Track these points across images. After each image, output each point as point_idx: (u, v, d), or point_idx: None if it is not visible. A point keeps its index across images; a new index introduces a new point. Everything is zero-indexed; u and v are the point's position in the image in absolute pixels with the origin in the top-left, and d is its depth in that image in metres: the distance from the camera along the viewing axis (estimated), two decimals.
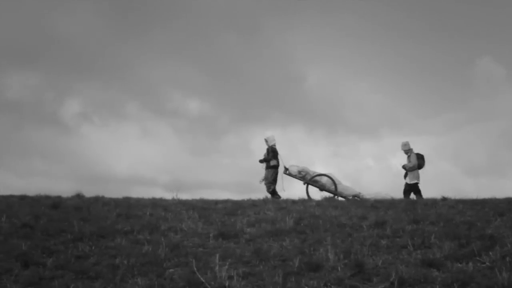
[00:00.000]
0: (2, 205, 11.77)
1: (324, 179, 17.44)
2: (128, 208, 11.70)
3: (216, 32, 54.23)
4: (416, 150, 17.21)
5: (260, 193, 17.26)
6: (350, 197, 16.72)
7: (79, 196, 14.09)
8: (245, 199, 14.36)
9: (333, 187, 17.21)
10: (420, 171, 17.25)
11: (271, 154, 17.38)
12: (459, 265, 7.12)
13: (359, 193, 17.06)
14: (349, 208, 11.80)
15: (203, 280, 6.47)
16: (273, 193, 17.15)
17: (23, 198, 13.34)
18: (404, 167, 17.26)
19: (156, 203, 12.75)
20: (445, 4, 54.00)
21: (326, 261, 7.26)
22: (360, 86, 57.67)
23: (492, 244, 7.94)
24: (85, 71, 54.09)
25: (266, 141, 17.72)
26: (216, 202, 13.51)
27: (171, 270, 7.09)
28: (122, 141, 50.45)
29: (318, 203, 12.93)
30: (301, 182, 17.52)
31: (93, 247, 8.16)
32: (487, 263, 7.11)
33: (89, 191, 14.59)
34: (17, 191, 14.62)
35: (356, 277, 6.71)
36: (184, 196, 16.88)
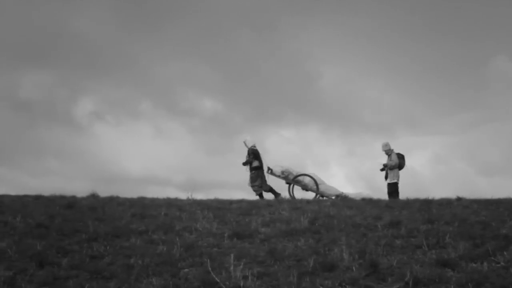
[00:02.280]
0: (17, 205, 11.83)
1: (307, 179, 17.74)
2: (142, 208, 11.70)
3: (231, 30, 54.32)
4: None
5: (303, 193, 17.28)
6: (333, 197, 16.96)
7: (93, 196, 14.12)
8: (260, 199, 14.33)
9: (315, 187, 17.52)
10: (400, 171, 17.54)
11: (252, 156, 17.40)
12: (473, 265, 7.08)
13: (342, 193, 17.32)
14: (364, 208, 11.77)
15: (218, 280, 6.43)
16: (272, 191, 17.30)
17: (38, 198, 13.40)
18: (386, 166, 17.55)
19: (170, 203, 12.75)
20: (459, 3, 53.61)
21: (341, 261, 7.22)
22: (375, 85, 57.48)
23: (507, 244, 7.90)
24: (98, 70, 54.37)
25: (245, 143, 17.77)
26: (231, 202, 13.49)
27: (185, 270, 7.07)
28: (136, 140, 50.56)
29: (333, 203, 12.88)
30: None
31: (107, 247, 8.16)
32: (502, 263, 7.06)
33: (103, 191, 14.63)
34: (31, 191, 14.71)
35: (370, 277, 6.67)
36: (199, 196, 16.88)
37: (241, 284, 6.34)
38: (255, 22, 55.69)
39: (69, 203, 11.94)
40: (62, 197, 13.52)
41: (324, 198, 16.92)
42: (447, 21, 54.43)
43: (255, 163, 17.35)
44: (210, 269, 6.82)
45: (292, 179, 17.68)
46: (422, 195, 13.77)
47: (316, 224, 9.81)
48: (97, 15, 50.70)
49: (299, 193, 17.30)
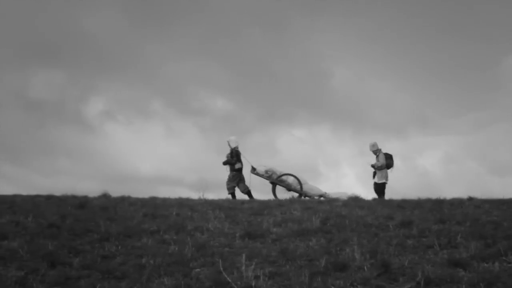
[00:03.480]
0: (28, 205, 11.87)
1: (291, 179, 17.90)
2: (154, 208, 11.72)
3: (242, 29, 54.38)
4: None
5: (286, 193, 17.28)
6: (316, 197, 17.16)
7: (105, 196, 14.17)
8: (272, 199, 14.32)
9: (298, 186, 17.69)
10: (388, 170, 17.60)
11: (235, 157, 17.48)
12: (485, 265, 7.05)
13: (325, 193, 17.55)
14: (376, 208, 11.76)
15: (230, 280, 6.41)
16: (231, 195, 17.27)
17: (49, 198, 13.46)
18: (373, 166, 17.59)
19: (182, 203, 12.77)
20: (471, 3, 53.32)
21: (352, 261, 7.19)
22: (387, 84, 57.38)
23: None
24: (109, 69, 54.53)
25: (229, 143, 17.80)
26: (243, 202, 13.51)
27: (197, 270, 7.05)
28: (147, 140, 50.59)
29: (345, 203, 12.85)
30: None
31: (119, 247, 8.16)
32: None
33: (115, 191, 14.69)
34: (43, 191, 14.77)
35: (382, 276, 6.63)
36: (210, 195, 16.93)
37: (253, 284, 6.31)
38: (266, 21, 55.76)
39: (80, 203, 11.98)
40: (74, 197, 13.58)
41: (307, 198, 17.07)
42: (460, 21, 54.29)
43: (238, 165, 17.45)
44: (221, 269, 6.80)
45: (275, 179, 17.84)
46: (434, 195, 13.84)
47: (328, 224, 9.79)
48: (108, 14, 50.92)
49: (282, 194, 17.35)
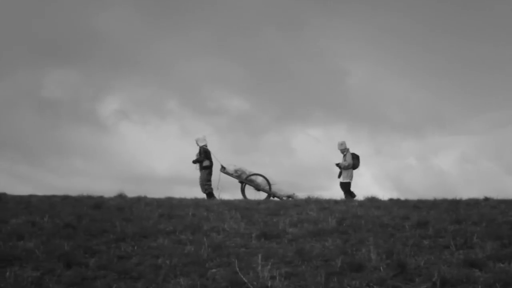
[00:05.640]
0: (45, 205, 11.93)
1: (260, 179, 18.07)
2: (170, 208, 11.73)
3: (258, 28, 54.20)
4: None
5: (303, 192, 17.31)
6: (284, 198, 17.32)
7: (121, 196, 14.22)
8: (207, 198, 14.31)
9: (267, 187, 17.85)
10: (354, 171, 17.72)
11: (203, 155, 17.58)
12: (501, 265, 6.99)
13: (293, 193, 17.77)
14: (392, 208, 11.76)
15: (246, 280, 6.37)
16: (210, 194, 17.31)
17: (65, 198, 13.53)
18: (339, 165, 17.66)
19: (198, 203, 12.78)
20: (490, 3, 52.86)
21: (369, 261, 7.15)
22: (403, 84, 56.99)
23: None
24: (123, 68, 54.59)
25: (197, 142, 17.92)
26: (259, 202, 13.49)
27: (213, 270, 7.02)
28: (163, 140, 50.55)
29: (361, 203, 12.80)
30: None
31: (135, 247, 8.15)
32: None
33: (131, 191, 14.74)
34: (58, 191, 14.89)
35: (398, 277, 6.59)
36: (226, 196, 17.00)
37: (269, 284, 6.27)
38: (282, 20, 55.59)
39: (96, 203, 12.02)
40: (90, 197, 13.64)
41: (275, 198, 17.27)
42: (477, 19, 53.78)
43: (206, 163, 17.57)
44: (237, 269, 6.76)
45: (245, 178, 18.00)
46: (450, 195, 13.89)
47: (344, 225, 9.75)
48: (121, 12, 50.97)
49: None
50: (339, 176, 17.70)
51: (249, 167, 18.15)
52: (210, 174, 17.65)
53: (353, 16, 55.88)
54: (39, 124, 48.69)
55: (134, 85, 55.59)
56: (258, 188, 17.92)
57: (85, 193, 14.22)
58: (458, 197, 13.50)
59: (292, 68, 54.57)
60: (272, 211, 11.45)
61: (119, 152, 46.72)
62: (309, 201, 13.62)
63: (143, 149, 48.17)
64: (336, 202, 13.42)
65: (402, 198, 14.24)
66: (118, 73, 55.37)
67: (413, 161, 49.80)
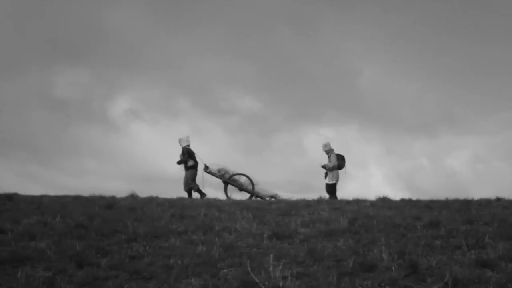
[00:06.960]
0: (56, 205, 11.98)
1: (243, 179, 18.14)
2: (182, 209, 11.74)
3: (270, 27, 53.98)
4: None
5: (314, 192, 17.34)
6: (267, 198, 17.35)
7: (133, 197, 14.26)
8: (299, 199, 14.29)
9: (250, 187, 17.93)
10: (340, 171, 17.57)
11: (187, 155, 17.75)
12: None
13: (276, 194, 17.81)
14: (403, 209, 11.73)
15: (257, 281, 6.34)
16: (191, 192, 17.47)
17: (77, 198, 13.58)
18: (324, 166, 17.53)
19: (210, 203, 12.79)
20: (502, 3, 52.48)
21: (380, 262, 7.11)
22: (415, 84, 56.68)
23: None
24: (135, 68, 54.44)
25: (179, 142, 18.11)
26: (270, 202, 13.46)
27: (225, 270, 7.00)
28: (174, 140, 50.36)
29: (372, 204, 12.77)
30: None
31: (147, 248, 8.15)
32: None
33: (142, 191, 14.76)
34: (70, 191, 14.95)
35: (410, 277, 6.54)
36: (238, 196, 17.01)
37: (281, 285, 6.24)
38: (295, 19, 55.35)
39: (108, 204, 12.05)
40: (102, 198, 13.69)
41: (258, 198, 17.35)
42: (488, 19, 53.34)
43: (190, 163, 17.71)
44: (249, 269, 6.73)
45: (228, 178, 18.05)
46: (461, 195, 13.80)
47: (356, 225, 9.72)
48: (134, 12, 50.86)
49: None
50: (325, 177, 17.60)
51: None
52: (195, 174, 17.78)
53: (366, 16, 55.54)
54: (50, 124, 48.86)
55: (145, 84, 55.58)
56: (241, 187, 18.01)
57: (96, 193, 14.30)
58: (470, 197, 13.48)
59: (305, 68, 54.38)
60: (283, 211, 11.44)
61: (130, 152, 46.74)
62: (320, 201, 13.60)
63: (155, 149, 48.11)
64: (348, 202, 13.39)
65: (414, 198, 14.20)
66: (129, 72, 55.38)
67: (425, 161, 49.61)
